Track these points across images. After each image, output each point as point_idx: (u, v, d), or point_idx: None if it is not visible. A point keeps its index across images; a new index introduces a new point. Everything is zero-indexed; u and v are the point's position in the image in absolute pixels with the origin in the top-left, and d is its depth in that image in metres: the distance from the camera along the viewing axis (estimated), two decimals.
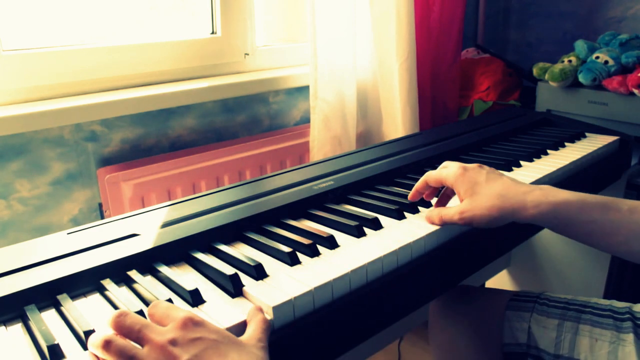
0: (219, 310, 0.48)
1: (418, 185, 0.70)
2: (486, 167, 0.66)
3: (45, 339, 0.44)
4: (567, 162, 0.88)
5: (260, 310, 0.48)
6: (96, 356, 0.42)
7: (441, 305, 0.86)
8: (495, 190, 0.61)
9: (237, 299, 0.51)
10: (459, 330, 0.82)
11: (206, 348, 0.41)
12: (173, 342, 0.40)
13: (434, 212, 0.65)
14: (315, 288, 0.51)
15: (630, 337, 0.65)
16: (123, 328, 0.42)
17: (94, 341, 0.42)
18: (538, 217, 0.60)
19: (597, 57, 1.33)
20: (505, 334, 0.75)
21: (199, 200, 0.71)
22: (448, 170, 0.65)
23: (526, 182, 0.79)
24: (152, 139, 1.10)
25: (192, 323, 0.42)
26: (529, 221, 0.61)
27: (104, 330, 0.43)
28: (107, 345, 0.41)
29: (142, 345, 0.41)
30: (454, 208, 0.63)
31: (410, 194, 0.71)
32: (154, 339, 0.41)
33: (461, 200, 0.64)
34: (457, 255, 0.67)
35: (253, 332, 0.45)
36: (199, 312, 0.48)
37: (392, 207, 0.69)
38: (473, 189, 0.62)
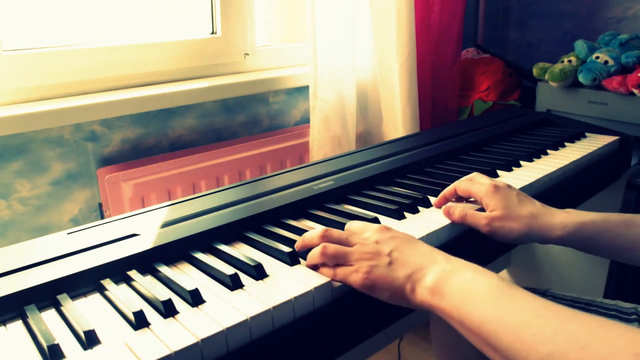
0: (219, 310, 0.48)
1: (446, 192, 0.71)
2: (515, 188, 0.69)
3: (45, 339, 0.44)
4: (567, 162, 0.88)
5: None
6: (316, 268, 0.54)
7: None
8: (528, 211, 0.64)
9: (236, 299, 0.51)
10: None
11: (401, 242, 0.54)
12: (376, 241, 0.54)
13: (458, 208, 0.67)
14: (315, 288, 0.51)
15: None
16: (332, 238, 0.55)
17: (312, 253, 0.54)
18: (565, 238, 0.63)
19: (597, 57, 1.33)
20: None
21: (199, 200, 0.71)
22: (480, 187, 0.67)
23: (527, 181, 0.79)
24: (152, 139, 1.10)
25: (386, 228, 0.56)
26: (555, 242, 0.64)
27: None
28: (324, 250, 0.53)
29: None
30: (483, 214, 0.65)
31: (437, 200, 0.72)
32: (360, 240, 0.54)
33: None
34: (457, 255, 0.66)
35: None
36: (198, 312, 0.48)
37: (392, 207, 0.69)
38: (505, 205, 0.64)
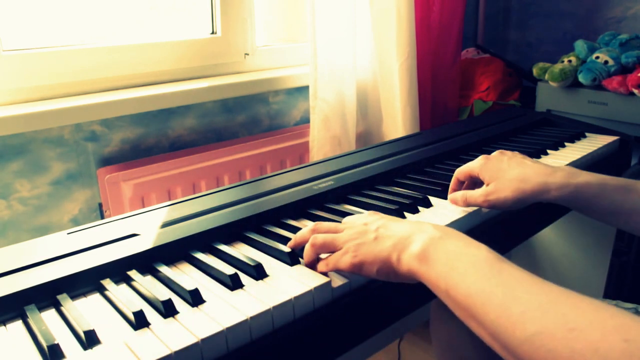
0: (219, 310, 0.48)
1: (452, 184, 0.72)
2: (507, 152, 0.69)
3: (45, 339, 0.44)
4: (567, 162, 0.88)
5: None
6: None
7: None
8: (518, 174, 0.64)
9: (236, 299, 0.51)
10: (461, 324, 0.82)
11: (388, 220, 0.54)
12: (364, 223, 0.54)
13: (458, 194, 0.68)
14: (315, 288, 0.51)
15: None
16: (321, 230, 0.56)
17: (306, 250, 0.55)
18: (560, 199, 0.63)
19: (597, 57, 1.33)
20: None
21: (199, 200, 0.71)
22: (473, 162, 0.69)
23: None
24: (152, 139, 1.10)
25: (374, 213, 0.57)
26: (552, 202, 0.64)
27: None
28: (313, 241, 0.54)
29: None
30: (479, 191, 0.66)
31: (449, 195, 0.72)
32: (348, 226, 0.55)
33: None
34: None
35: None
36: (198, 312, 0.48)
37: (392, 207, 0.69)
38: (497, 174, 0.65)
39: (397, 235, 0.51)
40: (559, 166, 0.66)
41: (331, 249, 0.53)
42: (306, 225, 0.66)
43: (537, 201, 0.64)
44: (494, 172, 0.65)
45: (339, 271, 0.54)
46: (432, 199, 0.73)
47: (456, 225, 0.66)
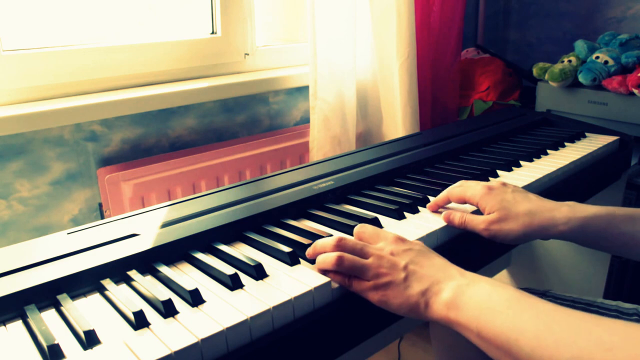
0: (219, 310, 0.48)
1: (439, 199, 0.70)
2: (510, 185, 0.67)
3: (45, 339, 0.44)
4: (567, 162, 0.88)
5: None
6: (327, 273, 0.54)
7: None
8: (524, 208, 0.62)
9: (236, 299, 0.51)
10: None
11: (417, 254, 0.53)
12: (392, 253, 0.53)
13: (457, 214, 0.66)
14: (315, 288, 0.51)
15: None
16: (346, 248, 0.54)
17: (325, 259, 0.53)
18: (568, 233, 0.61)
19: (597, 57, 1.33)
20: None
21: (199, 200, 0.71)
22: (473, 191, 0.66)
23: (527, 181, 0.79)
24: (152, 139, 1.10)
25: (400, 239, 0.56)
26: (558, 238, 0.62)
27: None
28: (340, 260, 0.52)
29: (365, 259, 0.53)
30: (481, 218, 0.64)
31: (431, 206, 0.71)
32: (376, 252, 0.53)
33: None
34: (456, 255, 0.66)
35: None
36: (198, 312, 0.48)
37: (392, 207, 0.69)
38: (501, 206, 0.63)
39: (426, 280, 0.51)
40: (564, 202, 0.64)
41: (357, 274, 0.53)
42: (306, 225, 0.66)
43: (540, 237, 0.63)
44: (497, 203, 0.63)
45: None
46: (432, 199, 0.73)
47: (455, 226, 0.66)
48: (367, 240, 0.57)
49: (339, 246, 0.54)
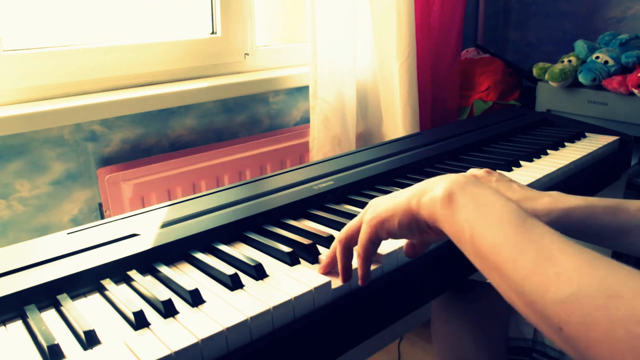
0: (219, 310, 0.48)
1: None
2: (495, 174, 0.66)
3: (45, 339, 0.44)
4: (567, 162, 0.88)
5: None
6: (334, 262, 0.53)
7: (445, 299, 0.86)
8: None
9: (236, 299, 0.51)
10: (463, 324, 0.82)
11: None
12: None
13: None
14: (315, 288, 0.51)
15: None
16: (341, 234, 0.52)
17: (330, 250, 0.53)
18: (549, 225, 0.60)
19: (597, 57, 1.33)
20: (511, 328, 0.75)
21: (199, 200, 0.71)
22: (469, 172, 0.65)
23: (527, 181, 0.79)
24: (152, 139, 1.10)
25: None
26: None
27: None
28: (338, 236, 0.52)
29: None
30: None
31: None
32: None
33: None
34: (457, 254, 0.66)
35: None
36: (198, 312, 0.48)
37: None
38: None
39: (415, 187, 0.48)
40: (546, 192, 0.62)
41: (356, 233, 0.51)
42: (306, 225, 0.66)
43: None
44: None
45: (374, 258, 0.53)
46: None
47: None
48: None
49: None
